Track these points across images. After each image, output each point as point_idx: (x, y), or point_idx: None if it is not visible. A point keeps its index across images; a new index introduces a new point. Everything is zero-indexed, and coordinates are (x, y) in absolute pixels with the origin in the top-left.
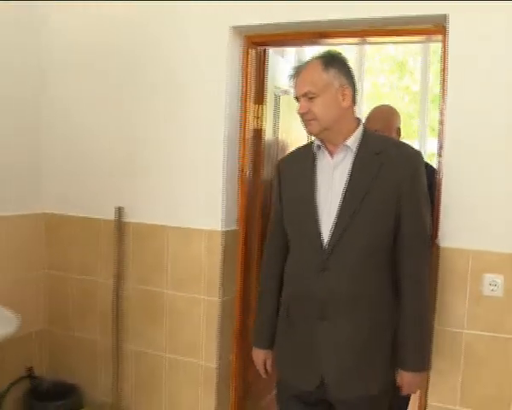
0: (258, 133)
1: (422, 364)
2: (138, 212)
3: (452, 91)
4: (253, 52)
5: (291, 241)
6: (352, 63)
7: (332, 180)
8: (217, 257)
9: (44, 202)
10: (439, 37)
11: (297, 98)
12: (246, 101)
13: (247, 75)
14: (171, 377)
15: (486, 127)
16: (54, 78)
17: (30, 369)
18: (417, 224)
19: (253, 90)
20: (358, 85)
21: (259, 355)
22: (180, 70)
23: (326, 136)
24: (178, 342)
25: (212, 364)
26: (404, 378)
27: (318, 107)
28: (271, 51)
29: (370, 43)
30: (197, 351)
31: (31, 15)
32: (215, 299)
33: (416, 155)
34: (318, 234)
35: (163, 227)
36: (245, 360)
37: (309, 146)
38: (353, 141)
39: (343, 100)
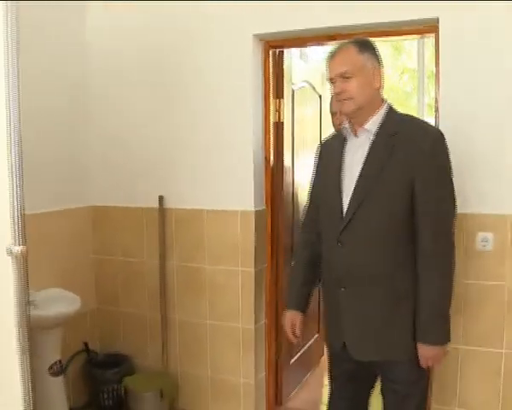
0: (278, 125)
1: (438, 337)
2: (178, 199)
3: (444, 77)
4: (271, 53)
5: (320, 214)
6: None
7: (354, 160)
8: (250, 233)
9: (92, 195)
10: (432, 34)
11: (331, 80)
12: (267, 96)
13: (267, 74)
14: (213, 341)
15: (475, 106)
16: (99, 82)
17: (86, 344)
18: (430, 202)
19: (272, 86)
20: None
21: (287, 316)
22: (212, 72)
23: (358, 115)
24: (219, 309)
25: (250, 326)
26: (420, 350)
27: (354, 86)
28: (286, 52)
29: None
30: (236, 316)
31: (80, 26)
32: (250, 270)
33: (433, 133)
34: (340, 210)
35: (201, 211)
36: (276, 323)
37: (340, 132)
38: (373, 123)
39: (375, 81)
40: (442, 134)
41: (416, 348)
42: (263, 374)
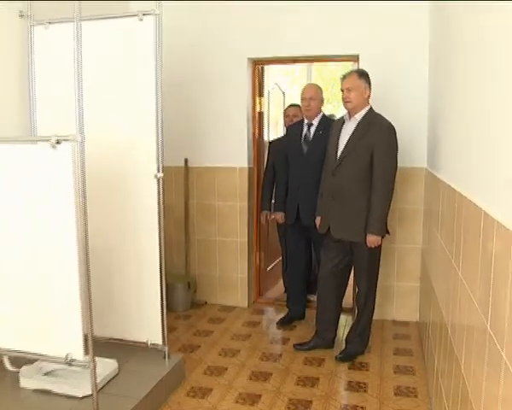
0: (260, 113)
1: (376, 229)
2: (197, 160)
3: None
4: (256, 68)
5: (326, 159)
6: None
7: (346, 133)
8: (244, 181)
9: None
10: (355, 62)
11: (342, 90)
12: (254, 95)
13: (254, 81)
14: (220, 251)
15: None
16: None
17: None
18: (381, 164)
19: (257, 88)
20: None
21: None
22: (223, 78)
23: (353, 110)
24: (224, 230)
25: (244, 239)
26: (367, 237)
27: (353, 95)
28: (266, 67)
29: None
30: (235, 234)
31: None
32: (244, 204)
33: (388, 125)
34: (335, 157)
35: (213, 167)
36: (259, 239)
37: (343, 117)
38: (359, 115)
39: (365, 93)
40: (393, 127)
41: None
42: (252, 273)
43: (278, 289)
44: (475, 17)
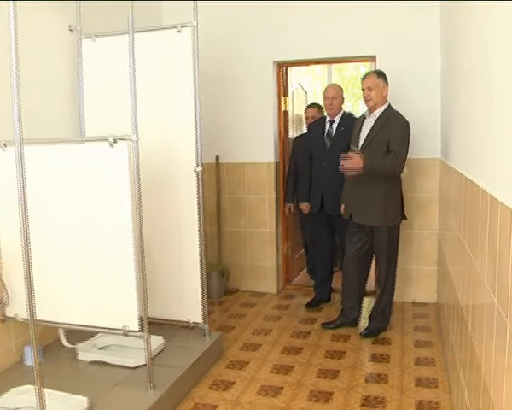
0: (285, 112)
1: (367, 165)
2: (228, 156)
3: None
4: (281, 70)
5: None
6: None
7: (366, 127)
8: (272, 175)
9: None
10: (373, 62)
11: (362, 89)
12: (279, 95)
13: (279, 82)
14: (250, 241)
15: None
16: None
17: None
18: (394, 146)
19: (282, 89)
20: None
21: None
22: (253, 80)
23: (373, 107)
24: (254, 222)
25: (273, 230)
26: (357, 156)
27: (373, 94)
28: (289, 68)
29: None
30: (264, 225)
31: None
32: (272, 197)
33: (403, 121)
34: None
35: (242, 163)
36: (288, 228)
37: (364, 114)
38: (378, 112)
39: (383, 92)
40: (408, 123)
41: (386, 220)
42: (280, 261)
43: (305, 275)
44: (481, 12)
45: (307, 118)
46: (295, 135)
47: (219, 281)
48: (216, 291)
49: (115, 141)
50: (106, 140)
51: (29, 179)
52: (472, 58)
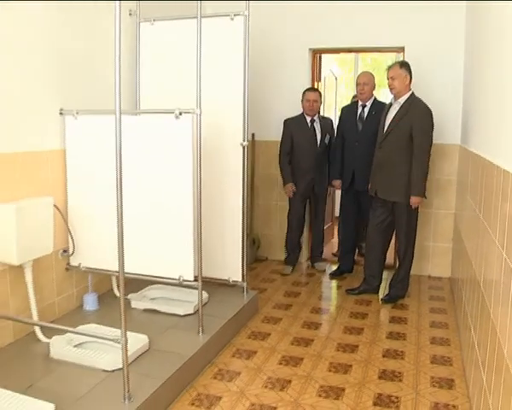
0: None
1: (418, 192)
2: (262, 134)
3: None
4: (315, 57)
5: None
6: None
7: (391, 113)
8: None
9: None
10: (401, 53)
11: (387, 79)
12: (313, 80)
13: (313, 68)
14: (280, 215)
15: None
16: None
17: None
18: (418, 139)
19: (315, 74)
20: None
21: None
22: (292, 65)
23: (397, 94)
24: (284, 196)
25: None
26: (412, 199)
27: (396, 83)
28: (323, 55)
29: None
30: None
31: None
32: None
33: (426, 108)
34: (382, 132)
35: (276, 141)
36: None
37: (390, 101)
38: (402, 100)
39: (406, 81)
40: (430, 109)
41: (407, 197)
42: (307, 233)
43: (330, 247)
44: (501, 7)
45: (308, 101)
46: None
47: (251, 249)
48: (248, 258)
49: (180, 113)
50: (172, 112)
51: (106, 144)
52: (490, 57)
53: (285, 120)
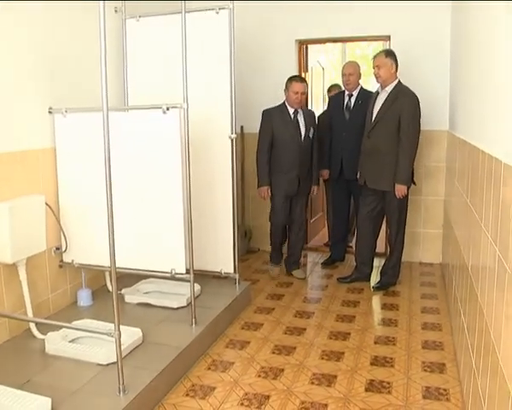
0: None
1: (403, 180)
2: (251, 127)
3: None
4: (301, 48)
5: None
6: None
7: (379, 102)
8: None
9: None
10: (387, 41)
11: (373, 68)
12: (300, 70)
13: (300, 58)
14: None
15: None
16: None
17: None
18: (405, 127)
19: (302, 65)
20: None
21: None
22: (280, 55)
23: (383, 83)
24: None
25: None
26: (396, 187)
27: (382, 72)
28: (309, 46)
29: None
30: None
31: None
32: None
33: (413, 96)
34: (370, 122)
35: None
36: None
37: (377, 90)
38: (389, 88)
39: (392, 69)
40: (417, 97)
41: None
42: None
43: (321, 237)
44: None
45: (296, 93)
46: (314, 108)
47: (242, 241)
48: (240, 250)
49: (168, 108)
50: (160, 108)
51: (95, 141)
52: (473, 46)
53: (264, 111)
